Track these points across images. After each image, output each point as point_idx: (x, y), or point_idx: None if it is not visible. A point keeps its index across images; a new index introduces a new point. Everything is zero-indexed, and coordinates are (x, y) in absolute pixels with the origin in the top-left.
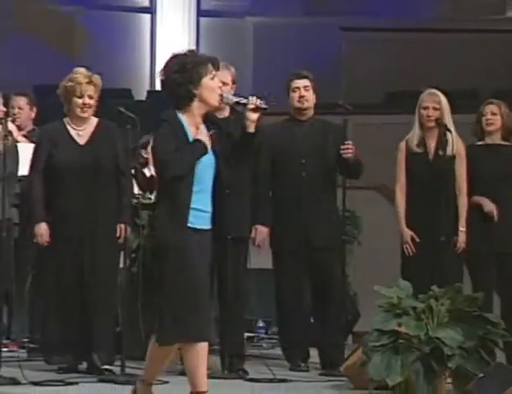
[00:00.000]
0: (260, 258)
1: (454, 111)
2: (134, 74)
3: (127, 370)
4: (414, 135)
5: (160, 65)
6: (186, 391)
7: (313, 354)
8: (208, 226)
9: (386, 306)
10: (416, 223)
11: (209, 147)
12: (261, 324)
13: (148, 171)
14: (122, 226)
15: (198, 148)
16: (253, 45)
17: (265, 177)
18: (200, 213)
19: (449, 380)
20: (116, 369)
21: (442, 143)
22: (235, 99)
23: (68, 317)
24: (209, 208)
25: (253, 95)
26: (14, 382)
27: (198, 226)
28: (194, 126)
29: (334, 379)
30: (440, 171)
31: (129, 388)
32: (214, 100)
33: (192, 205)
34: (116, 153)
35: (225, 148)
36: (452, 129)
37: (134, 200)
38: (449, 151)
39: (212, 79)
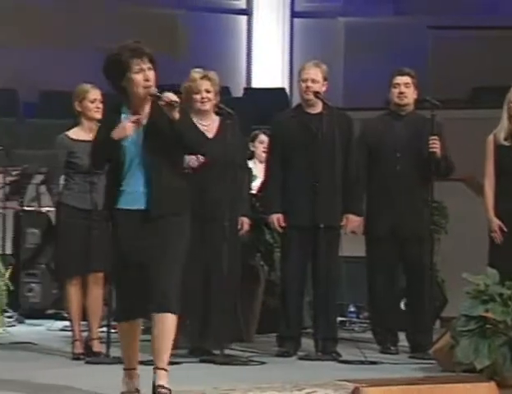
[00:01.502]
0: (351, 246)
1: None
2: (232, 72)
3: (226, 351)
4: (502, 128)
5: (256, 63)
6: (284, 371)
7: (402, 337)
8: (137, 207)
9: (474, 293)
10: (503, 213)
11: (131, 132)
12: (352, 309)
13: (253, 164)
14: (245, 219)
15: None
16: (345, 44)
17: (359, 168)
18: (129, 195)
19: None
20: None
21: None
22: (155, 93)
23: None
24: (138, 188)
25: (169, 90)
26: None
27: (126, 207)
28: (133, 111)
29: (423, 362)
30: None
31: (227, 368)
32: (141, 93)
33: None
34: (237, 146)
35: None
36: None
37: None
38: None
39: (137, 73)
